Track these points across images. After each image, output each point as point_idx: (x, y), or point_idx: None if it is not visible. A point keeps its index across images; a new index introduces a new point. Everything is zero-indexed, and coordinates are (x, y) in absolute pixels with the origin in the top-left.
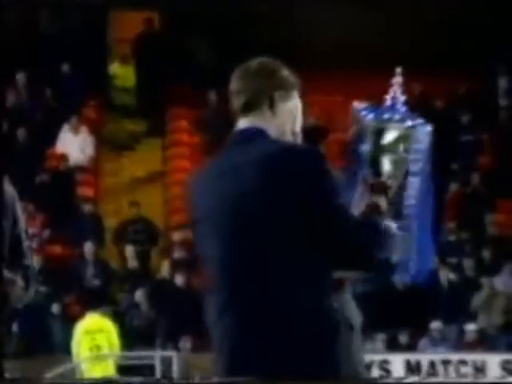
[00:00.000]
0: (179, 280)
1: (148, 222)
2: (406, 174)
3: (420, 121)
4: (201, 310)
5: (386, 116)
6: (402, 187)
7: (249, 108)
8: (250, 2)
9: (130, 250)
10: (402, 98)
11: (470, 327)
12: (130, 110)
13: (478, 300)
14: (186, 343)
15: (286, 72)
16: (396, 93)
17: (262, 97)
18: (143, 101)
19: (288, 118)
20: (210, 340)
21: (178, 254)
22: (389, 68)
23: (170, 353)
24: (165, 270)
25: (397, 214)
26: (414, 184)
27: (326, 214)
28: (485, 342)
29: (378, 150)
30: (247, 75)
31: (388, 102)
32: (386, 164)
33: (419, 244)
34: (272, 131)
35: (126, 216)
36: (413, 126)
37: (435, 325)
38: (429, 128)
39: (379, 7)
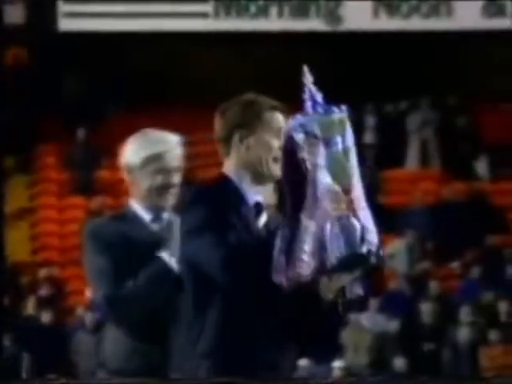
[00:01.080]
0: (45, 317)
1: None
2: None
3: (342, 107)
4: (66, 347)
5: (315, 115)
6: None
7: None
8: (120, 37)
9: None
10: (317, 93)
11: (337, 364)
12: None
13: (344, 337)
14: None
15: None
16: (311, 90)
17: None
18: (11, 137)
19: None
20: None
21: (43, 291)
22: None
23: None
24: (30, 307)
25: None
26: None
27: None
28: (352, 379)
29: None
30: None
31: (308, 103)
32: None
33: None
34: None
35: None
36: (341, 113)
37: (303, 362)
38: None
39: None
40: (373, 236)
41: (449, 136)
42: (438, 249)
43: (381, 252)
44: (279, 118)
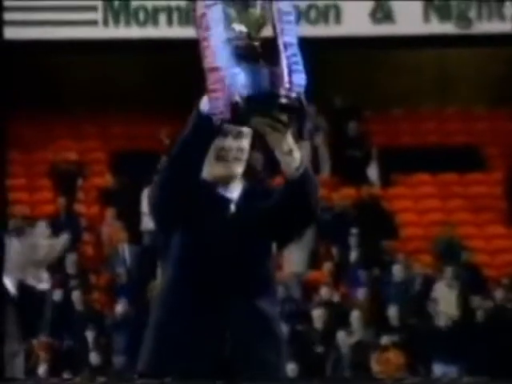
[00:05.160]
0: None
1: None
2: None
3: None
4: None
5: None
6: None
7: None
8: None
9: None
10: None
11: None
12: None
13: None
14: None
15: None
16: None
17: None
18: None
19: None
20: None
21: None
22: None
23: None
24: None
25: None
26: None
27: None
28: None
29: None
30: None
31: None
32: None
33: None
34: None
35: None
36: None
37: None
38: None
39: None
40: (293, 79)
41: (338, 142)
42: (329, 253)
43: (298, 96)
44: None
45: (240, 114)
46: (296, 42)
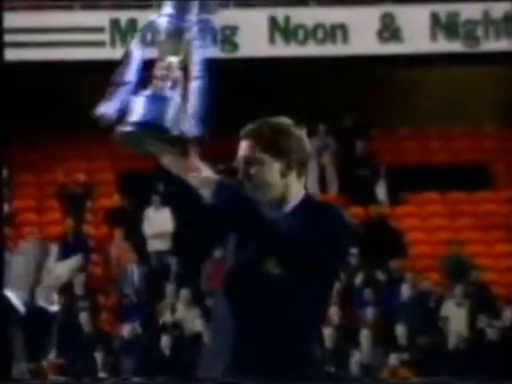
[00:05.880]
0: None
1: None
2: None
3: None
4: None
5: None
6: None
7: None
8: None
9: None
10: None
11: None
12: None
13: None
14: None
15: None
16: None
17: None
18: None
19: None
20: None
21: None
22: None
23: None
24: None
25: None
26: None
27: None
28: None
29: None
30: None
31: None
32: None
33: None
34: None
35: None
36: None
37: None
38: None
39: None
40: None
41: (346, 161)
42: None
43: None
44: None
45: (122, 138)
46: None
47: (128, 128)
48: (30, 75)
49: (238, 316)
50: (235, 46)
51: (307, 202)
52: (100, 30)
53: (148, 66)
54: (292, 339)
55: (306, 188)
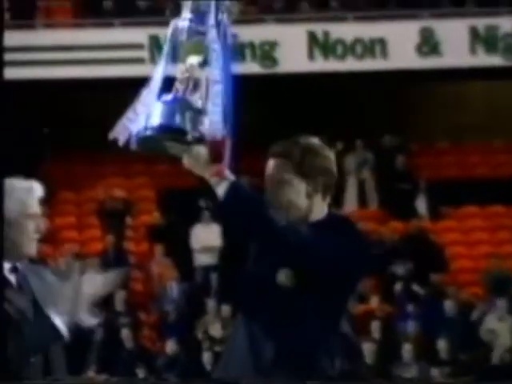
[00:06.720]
0: None
1: None
2: None
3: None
4: None
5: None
6: None
7: None
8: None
9: None
10: None
11: None
12: None
13: None
14: None
15: None
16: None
17: None
18: None
19: None
20: None
21: None
22: None
23: None
24: None
25: None
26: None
27: None
28: None
29: None
30: None
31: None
32: None
33: None
34: None
35: None
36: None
37: None
38: None
39: None
40: (209, 117)
41: (386, 175)
42: (377, 287)
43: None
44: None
45: (141, 143)
46: (222, 79)
47: (147, 132)
48: (74, 93)
49: (253, 327)
50: (274, 62)
51: (329, 217)
52: (139, 46)
53: (172, 83)
54: (305, 352)
55: (329, 207)
